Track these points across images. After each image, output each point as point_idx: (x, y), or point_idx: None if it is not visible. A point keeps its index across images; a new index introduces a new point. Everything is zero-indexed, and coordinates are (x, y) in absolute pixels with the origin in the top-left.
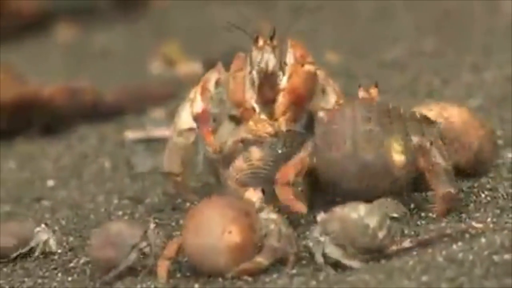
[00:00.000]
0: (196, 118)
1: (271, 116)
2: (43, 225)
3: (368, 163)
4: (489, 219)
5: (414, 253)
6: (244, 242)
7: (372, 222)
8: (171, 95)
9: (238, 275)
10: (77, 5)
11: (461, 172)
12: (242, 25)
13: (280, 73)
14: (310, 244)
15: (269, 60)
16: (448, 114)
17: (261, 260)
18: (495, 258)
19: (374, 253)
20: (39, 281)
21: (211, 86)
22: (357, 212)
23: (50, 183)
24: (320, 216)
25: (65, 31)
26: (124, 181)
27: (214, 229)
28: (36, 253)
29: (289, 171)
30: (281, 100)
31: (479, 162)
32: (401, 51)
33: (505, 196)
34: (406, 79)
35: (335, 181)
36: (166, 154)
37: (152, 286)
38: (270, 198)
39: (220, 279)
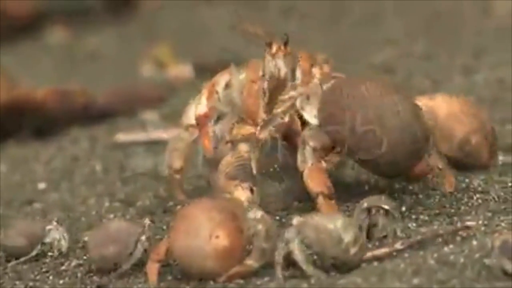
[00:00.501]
0: (198, 119)
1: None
2: (54, 223)
3: (415, 129)
4: (480, 222)
5: (406, 255)
6: (232, 245)
7: (347, 236)
8: (162, 97)
9: (229, 279)
10: (68, 7)
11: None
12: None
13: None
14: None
15: (281, 67)
16: (434, 104)
17: (251, 262)
18: (487, 261)
19: (344, 265)
20: (31, 284)
21: (220, 88)
22: (334, 224)
23: (42, 185)
24: (297, 219)
25: (56, 33)
26: (115, 184)
27: (201, 233)
28: (51, 253)
29: (325, 181)
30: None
31: (467, 155)
32: (391, 53)
33: (497, 199)
34: (396, 82)
35: (384, 154)
36: (169, 148)
37: None
38: (258, 193)
39: (212, 282)
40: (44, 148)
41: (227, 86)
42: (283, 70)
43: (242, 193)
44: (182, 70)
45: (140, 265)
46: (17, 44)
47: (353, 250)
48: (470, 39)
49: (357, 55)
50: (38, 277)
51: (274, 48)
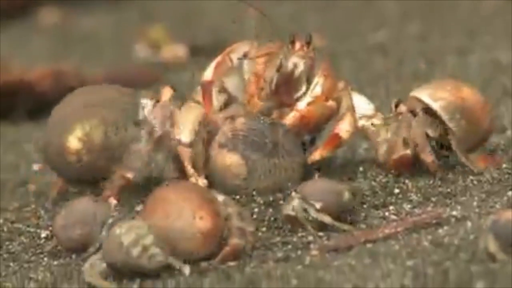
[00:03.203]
0: (202, 85)
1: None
2: None
3: None
4: (474, 203)
5: (400, 237)
6: (214, 226)
7: (127, 239)
8: (156, 78)
9: (222, 261)
10: None
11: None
12: (231, 11)
13: (304, 84)
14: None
15: (299, 65)
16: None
17: (237, 241)
18: (481, 242)
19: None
20: (25, 265)
21: (235, 56)
22: (120, 229)
23: (35, 167)
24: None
25: (49, 15)
26: None
27: (184, 215)
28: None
29: None
30: (289, 118)
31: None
32: (386, 35)
33: (491, 181)
34: (391, 63)
35: None
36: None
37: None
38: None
39: (204, 263)
40: (38, 130)
41: (245, 55)
42: (300, 69)
43: (199, 181)
44: (176, 51)
45: None
46: (10, 25)
47: (135, 252)
48: (464, 21)
49: (352, 36)
50: (33, 258)
51: (298, 46)
